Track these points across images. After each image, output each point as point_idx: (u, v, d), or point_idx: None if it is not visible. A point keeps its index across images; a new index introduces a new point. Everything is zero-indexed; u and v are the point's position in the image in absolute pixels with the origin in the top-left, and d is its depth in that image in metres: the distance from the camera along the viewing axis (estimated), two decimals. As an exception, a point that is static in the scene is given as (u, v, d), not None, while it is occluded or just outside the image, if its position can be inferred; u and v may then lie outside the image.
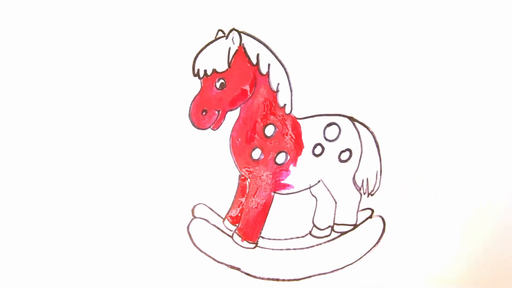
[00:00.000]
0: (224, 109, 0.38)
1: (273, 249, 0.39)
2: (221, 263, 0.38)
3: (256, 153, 0.38)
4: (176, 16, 0.38)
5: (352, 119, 0.39)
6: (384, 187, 0.39)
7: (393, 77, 0.39)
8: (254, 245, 0.39)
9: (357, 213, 0.39)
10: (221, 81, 0.38)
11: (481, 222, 0.39)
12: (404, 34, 0.39)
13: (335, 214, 0.39)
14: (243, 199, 0.39)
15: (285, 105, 0.38)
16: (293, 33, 0.38)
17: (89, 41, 0.38)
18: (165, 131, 0.38)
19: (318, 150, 0.39)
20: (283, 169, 0.39)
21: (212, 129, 0.38)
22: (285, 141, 0.39)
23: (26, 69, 0.38)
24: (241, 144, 0.38)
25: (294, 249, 0.39)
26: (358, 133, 0.39)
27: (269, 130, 0.39)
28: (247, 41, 0.38)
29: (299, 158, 0.39)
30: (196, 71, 0.38)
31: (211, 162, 0.38)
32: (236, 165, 0.38)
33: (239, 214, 0.39)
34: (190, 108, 0.38)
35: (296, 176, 0.39)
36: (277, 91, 0.38)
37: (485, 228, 0.39)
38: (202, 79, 0.38)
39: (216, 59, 0.38)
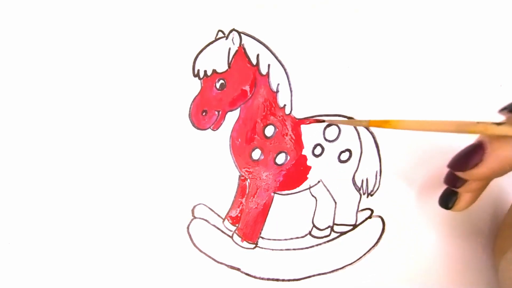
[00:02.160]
0: (224, 110, 0.38)
1: (273, 249, 0.39)
2: (221, 263, 0.38)
3: (256, 154, 0.38)
4: (176, 17, 0.38)
5: (352, 119, 0.39)
6: (383, 188, 0.39)
7: (393, 77, 0.39)
8: (254, 245, 0.39)
9: (356, 213, 0.39)
10: (221, 81, 0.38)
11: (481, 223, 0.39)
12: (404, 34, 0.39)
13: (334, 214, 0.39)
14: (243, 200, 0.39)
15: (285, 105, 0.38)
16: (293, 33, 0.38)
17: (88, 41, 0.38)
18: (165, 132, 0.38)
19: (318, 150, 0.39)
20: (282, 169, 0.39)
21: (212, 130, 0.38)
22: (285, 142, 0.39)
23: (26, 69, 0.38)
24: (241, 145, 0.38)
25: (294, 249, 0.39)
26: (358, 133, 0.39)
27: (269, 131, 0.39)
28: (247, 41, 0.38)
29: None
30: (196, 72, 0.38)
31: (211, 163, 0.38)
32: (236, 166, 0.38)
33: (239, 215, 0.39)
34: (190, 108, 0.38)
35: (296, 176, 0.39)
36: (277, 91, 0.38)
37: (486, 229, 0.39)
38: (202, 80, 0.38)
39: (216, 60, 0.38)
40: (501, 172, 0.29)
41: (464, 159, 0.30)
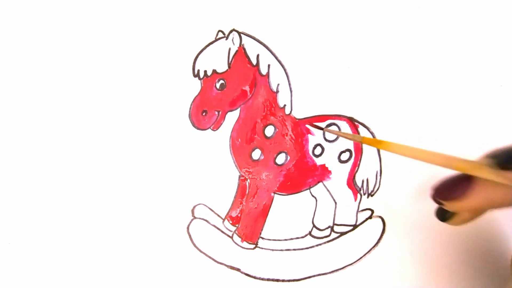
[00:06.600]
0: (224, 110, 0.38)
1: (273, 250, 0.39)
2: (221, 263, 0.38)
3: (256, 154, 0.38)
4: (176, 17, 0.38)
5: (352, 119, 0.39)
6: (384, 188, 0.39)
7: (393, 77, 0.39)
8: (254, 245, 0.39)
9: (357, 213, 0.39)
10: (221, 81, 0.38)
11: (481, 223, 0.39)
12: (404, 34, 0.39)
13: (334, 214, 0.39)
14: (243, 200, 0.39)
15: (285, 105, 0.38)
16: (293, 33, 0.38)
17: (89, 42, 0.38)
18: (165, 132, 0.38)
19: (318, 150, 0.39)
20: (283, 169, 0.39)
21: (212, 130, 0.38)
22: (285, 142, 0.39)
23: (26, 70, 0.38)
24: (241, 145, 0.38)
25: (294, 249, 0.39)
26: (358, 133, 0.39)
27: (269, 131, 0.39)
28: (247, 41, 0.38)
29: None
30: (196, 72, 0.38)
31: (211, 163, 0.38)
32: (236, 166, 0.38)
33: (239, 215, 0.39)
34: (190, 108, 0.38)
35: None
36: (277, 91, 0.38)
37: (486, 229, 0.39)
38: (202, 80, 0.38)
39: (216, 60, 0.38)
40: (480, 211, 0.26)
41: (447, 190, 0.27)
